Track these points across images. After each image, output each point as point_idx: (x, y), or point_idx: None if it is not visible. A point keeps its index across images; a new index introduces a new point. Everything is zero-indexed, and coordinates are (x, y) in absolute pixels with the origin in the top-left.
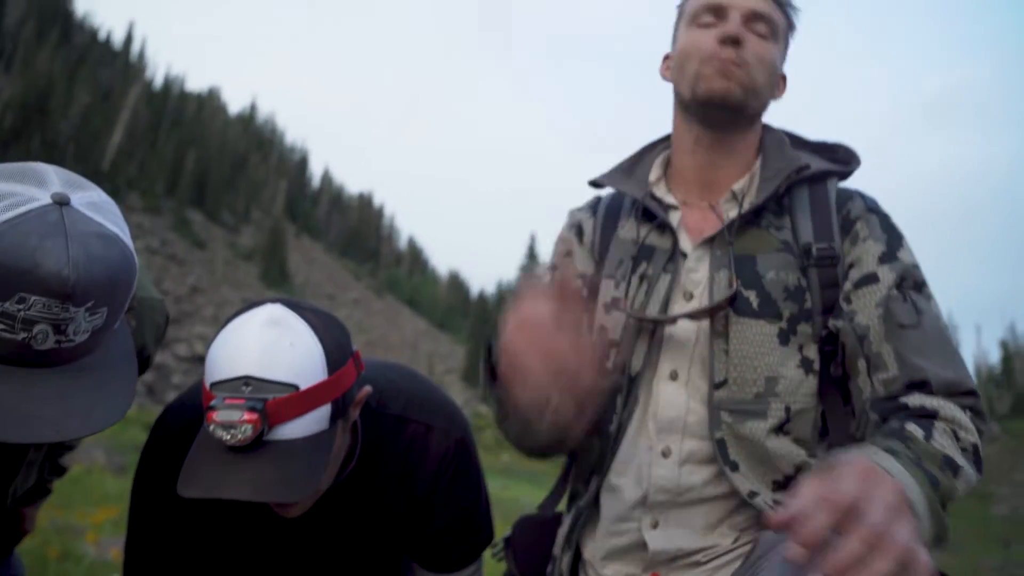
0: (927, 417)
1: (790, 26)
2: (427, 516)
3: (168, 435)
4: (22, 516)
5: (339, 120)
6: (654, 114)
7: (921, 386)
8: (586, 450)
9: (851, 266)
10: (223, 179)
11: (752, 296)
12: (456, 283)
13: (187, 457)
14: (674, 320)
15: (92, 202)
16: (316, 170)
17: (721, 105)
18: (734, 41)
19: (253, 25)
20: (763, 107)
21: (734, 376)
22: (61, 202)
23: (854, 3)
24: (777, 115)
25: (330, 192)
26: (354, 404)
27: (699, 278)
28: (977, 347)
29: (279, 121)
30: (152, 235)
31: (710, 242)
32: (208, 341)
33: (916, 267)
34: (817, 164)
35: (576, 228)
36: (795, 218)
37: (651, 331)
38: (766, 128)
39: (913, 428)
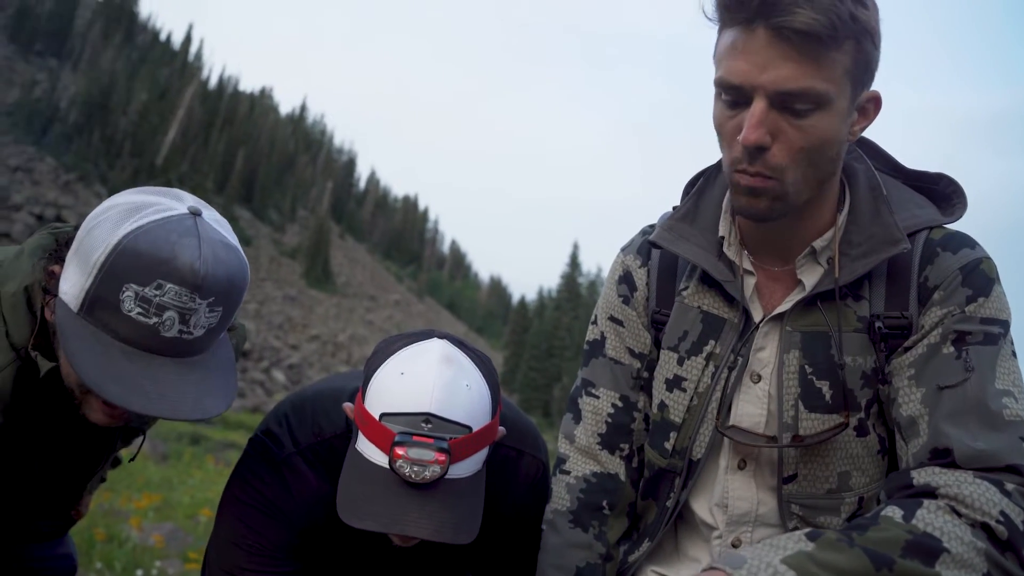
0: (923, 495)
1: (858, 47)
2: (507, 537)
3: (288, 458)
4: (79, 501)
5: (387, 123)
6: (705, 120)
7: (944, 455)
8: (644, 511)
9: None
10: (271, 178)
11: (826, 387)
12: (497, 289)
13: (348, 486)
14: (762, 445)
15: (217, 219)
16: (363, 172)
17: (760, 220)
18: (757, 149)
19: (306, 27)
20: (821, 183)
21: (804, 473)
22: (195, 213)
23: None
24: None
25: (375, 194)
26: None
27: (766, 357)
28: None
29: (328, 122)
30: None
31: (780, 317)
32: (251, 336)
33: (991, 320)
34: (912, 217)
35: (627, 282)
36: (872, 284)
37: (717, 418)
38: (851, 171)
39: (891, 512)
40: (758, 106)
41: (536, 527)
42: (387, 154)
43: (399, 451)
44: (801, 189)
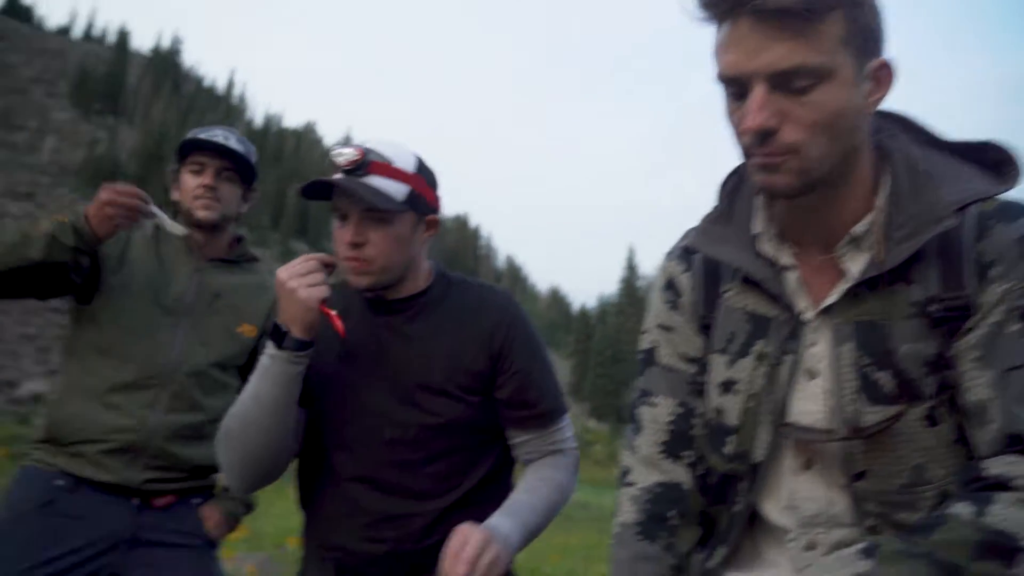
0: (997, 488)
1: (849, 14)
2: (502, 354)
3: None
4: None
5: (431, 144)
6: None
7: (1018, 442)
8: (716, 516)
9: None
10: (323, 209)
11: (885, 378)
12: (557, 299)
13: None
14: (826, 440)
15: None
16: None
17: (786, 198)
18: (764, 134)
19: (343, 59)
20: (844, 155)
21: (874, 469)
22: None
23: None
24: None
25: None
26: (428, 218)
27: (819, 352)
28: None
29: None
30: None
31: (830, 309)
32: None
33: None
34: (960, 191)
35: (671, 288)
36: (924, 266)
37: (774, 417)
38: (886, 151)
39: (960, 509)
40: (758, 91)
41: (526, 350)
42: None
43: (335, 148)
44: (824, 160)
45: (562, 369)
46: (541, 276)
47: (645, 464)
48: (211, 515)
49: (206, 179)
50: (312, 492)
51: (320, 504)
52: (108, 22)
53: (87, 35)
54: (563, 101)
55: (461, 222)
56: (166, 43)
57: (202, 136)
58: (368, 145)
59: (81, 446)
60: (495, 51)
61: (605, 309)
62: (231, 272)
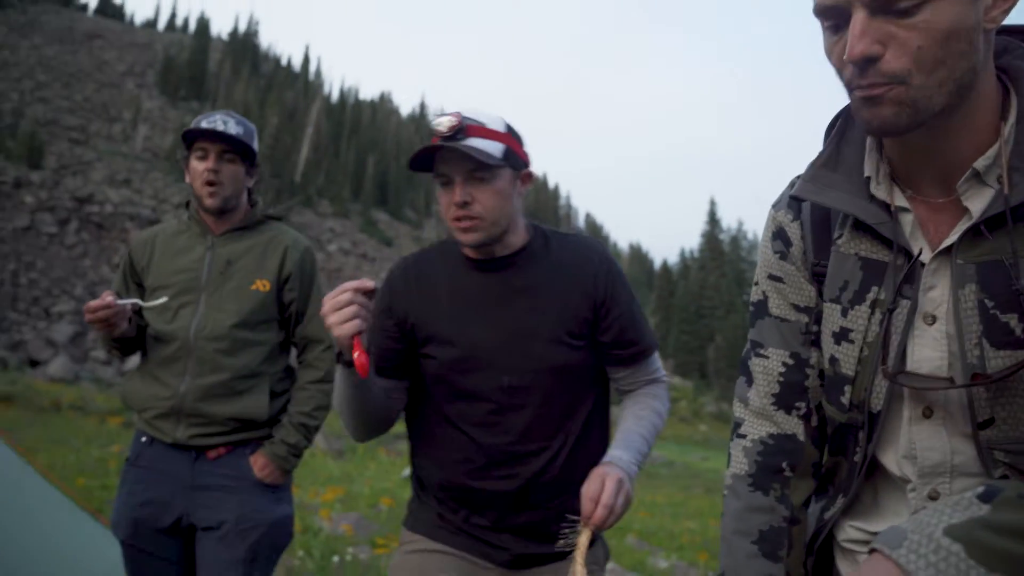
0: None
1: None
2: (605, 301)
3: (399, 264)
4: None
5: (507, 107)
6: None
7: None
8: (833, 467)
9: None
10: (403, 178)
11: (1013, 320)
12: (638, 256)
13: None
14: (947, 388)
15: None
16: None
17: (893, 135)
18: (865, 62)
19: (414, 27)
20: (957, 85)
21: (1003, 415)
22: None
23: None
24: None
25: None
26: (523, 172)
27: (938, 296)
28: None
29: None
30: (343, 237)
31: (948, 250)
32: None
33: None
34: None
35: (781, 238)
36: None
37: (891, 366)
38: (1016, 72)
39: None
40: (857, 17)
41: (624, 294)
42: None
43: (435, 118)
44: (933, 93)
45: None
46: (621, 234)
47: (757, 416)
48: (257, 460)
49: (209, 163)
50: (430, 439)
51: (439, 449)
52: (190, 11)
53: (171, 25)
54: (635, 55)
55: (540, 183)
56: (243, 26)
57: (203, 124)
58: (463, 112)
59: (144, 412)
60: (562, 4)
61: (687, 264)
62: (243, 237)
